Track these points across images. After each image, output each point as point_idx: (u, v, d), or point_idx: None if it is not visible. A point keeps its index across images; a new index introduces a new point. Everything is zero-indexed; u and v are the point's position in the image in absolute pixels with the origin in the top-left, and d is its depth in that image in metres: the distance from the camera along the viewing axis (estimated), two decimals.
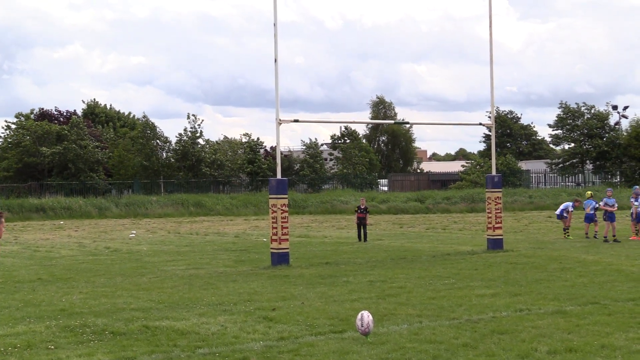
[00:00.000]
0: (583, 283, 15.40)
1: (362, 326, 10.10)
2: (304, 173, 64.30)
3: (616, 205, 26.45)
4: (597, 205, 27.09)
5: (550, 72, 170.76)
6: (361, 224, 28.12)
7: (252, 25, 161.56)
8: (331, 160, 71.28)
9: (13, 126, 60.98)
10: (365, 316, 10.14)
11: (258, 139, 66.04)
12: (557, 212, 28.81)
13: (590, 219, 27.23)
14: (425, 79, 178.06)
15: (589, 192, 29.05)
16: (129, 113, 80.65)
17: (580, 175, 66.15)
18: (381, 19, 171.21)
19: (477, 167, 63.99)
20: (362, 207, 28.50)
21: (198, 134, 62.07)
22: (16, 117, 65.75)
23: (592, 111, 66.03)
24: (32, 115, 66.95)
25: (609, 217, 25.80)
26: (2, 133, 60.87)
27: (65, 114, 67.75)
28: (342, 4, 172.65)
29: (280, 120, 20.51)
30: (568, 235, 27.22)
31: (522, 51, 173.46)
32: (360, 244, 26.51)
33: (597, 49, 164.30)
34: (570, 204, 28.36)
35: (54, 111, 67.84)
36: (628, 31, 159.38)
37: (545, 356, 9.24)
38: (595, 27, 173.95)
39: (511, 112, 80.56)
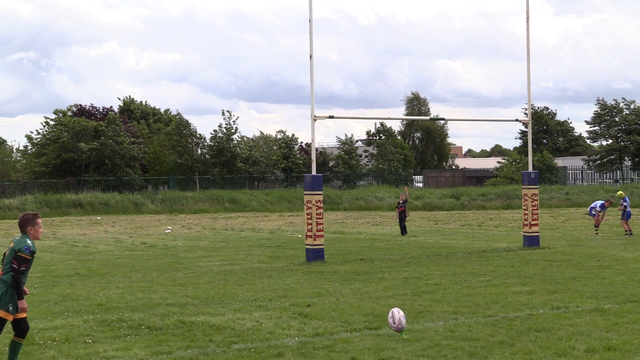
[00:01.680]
0: (622, 281, 15.19)
1: (394, 323, 10.09)
2: (339, 169, 64.25)
3: None
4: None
5: (586, 68, 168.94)
6: (400, 217, 28.72)
7: (285, 22, 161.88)
8: (366, 157, 71.08)
9: (51, 122, 61.80)
10: (396, 313, 10.15)
11: (293, 135, 66.24)
12: (588, 209, 28.78)
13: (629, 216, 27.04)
14: (460, 75, 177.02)
15: (621, 192, 28.81)
16: (167, 110, 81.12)
17: (618, 171, 65.29)
18: (415, 15, 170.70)
19: (513, 163, 63.47)
20: (401, 201, 28.79)
21: (233, 130, 62.33)
22: (55, 113, 66.62)
23: (632, 107, 65.06)
24: (69, 112, 67.70)
25: None
26: (41, 129, 61.76)
27: (102, 110, 68.46)
28: (375, 0, 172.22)
29: (315, 116, 20.52)
30: (597, 233, 26.99)
31: (557, 47, 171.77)
32: (395, 240, 26.45)
33: (634, 44, 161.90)
34: (600, 202, 28.00)
35: (90, 108, 68.56)
36: None
37: (583, 354, 9.13)
38: (632, 22, 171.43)
39: (547, 109, 79.72)
